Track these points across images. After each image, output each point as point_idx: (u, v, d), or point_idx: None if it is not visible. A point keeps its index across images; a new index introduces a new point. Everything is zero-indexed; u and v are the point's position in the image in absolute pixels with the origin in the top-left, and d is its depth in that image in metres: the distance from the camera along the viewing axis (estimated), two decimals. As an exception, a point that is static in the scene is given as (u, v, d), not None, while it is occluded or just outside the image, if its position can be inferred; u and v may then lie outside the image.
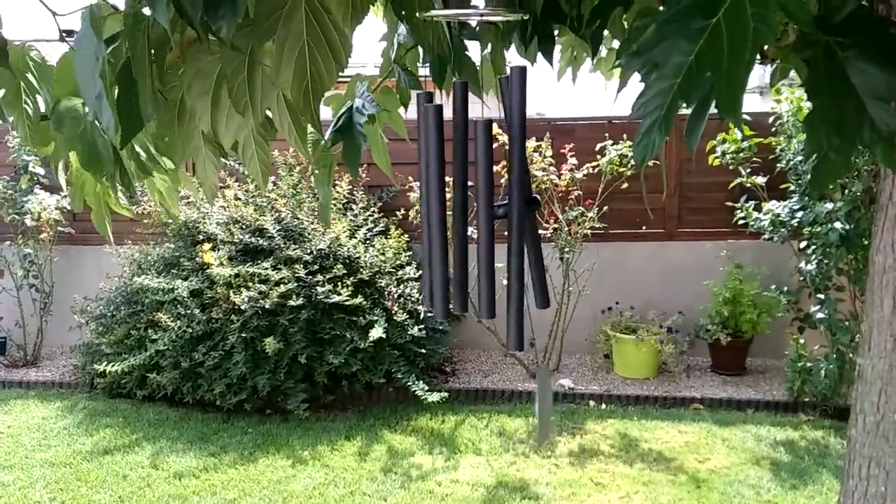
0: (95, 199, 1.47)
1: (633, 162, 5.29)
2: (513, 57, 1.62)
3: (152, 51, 0.91)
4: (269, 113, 1.10)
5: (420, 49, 1.42)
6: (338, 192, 5.54)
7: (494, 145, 5.04)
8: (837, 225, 4.42)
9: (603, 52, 2.36)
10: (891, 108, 1.07)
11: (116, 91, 1.00)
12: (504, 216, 1.28)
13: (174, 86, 1.15)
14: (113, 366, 4.87)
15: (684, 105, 0.95)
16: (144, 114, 0.97)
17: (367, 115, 1.27)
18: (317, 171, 1.42)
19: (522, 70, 1.21)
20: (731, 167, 5.20)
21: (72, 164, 1.43)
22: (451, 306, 1.31)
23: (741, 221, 5.14)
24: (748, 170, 5.15)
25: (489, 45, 1.54)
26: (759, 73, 8.12)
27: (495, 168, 4.87)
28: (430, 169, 1.28)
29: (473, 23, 1.47)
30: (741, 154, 5.10)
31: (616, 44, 2.03)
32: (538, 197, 1.38)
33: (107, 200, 1.48)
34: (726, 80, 0.81)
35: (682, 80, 0.84)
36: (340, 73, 1.04)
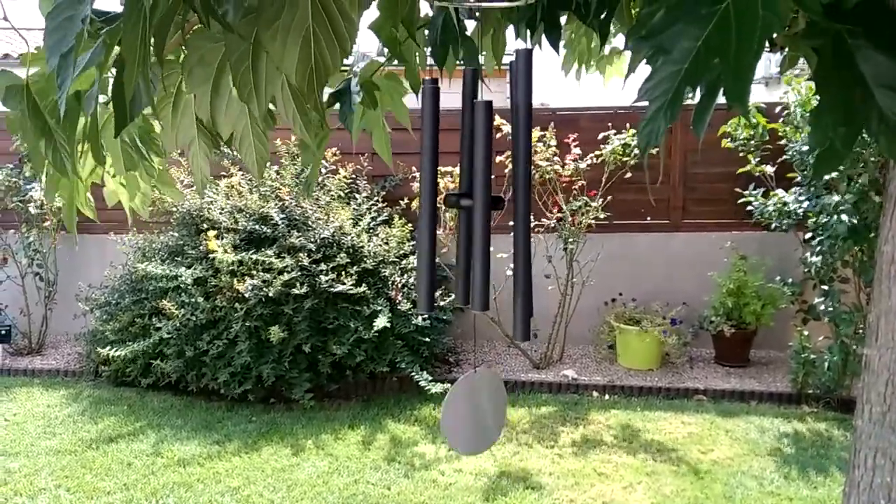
0: (67, 194, 1.46)
1: (636, 151, 5.28)
2: (516, 43, 1.60)
3: (152, 35, 0.90)
4: (270, 106, 1.09)
5: (427, 31, 1.40)
6: (341, 182, 5.53)
7: (498, 135, 4.98)
8: (844, 217, 4.41)
9: (606, 49, 2.33)
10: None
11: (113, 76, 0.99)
12: (494, 207, 1.25)
13: (173, 72, 1.13)
14: (117, 350, 4.87)
15: (690, 94, 0.94)
16: (128, 94, 0.96)
17: (362, 88, 1.26)
18: (308, 141, 1.40)
19: (528, 53, 1.17)
20: (741, 153, 5.19)
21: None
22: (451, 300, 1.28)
23: (748, 209, 5.13)
24: (757, 158, 5.14)
25: (491, 29, 1.52)
26: (765, 64, 8.09)
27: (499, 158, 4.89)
28: (423, 151, 1.26)
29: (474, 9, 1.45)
30: (752, 141, 5.09)
31: (619, 39, 2.01)
32: (501, 196, 1.31)
33: (76, 198, 1.46)
34: (734, 67, 0.79)
35: (689, 65, 0.83)
36: (345, 60, 1.03)
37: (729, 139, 5.19)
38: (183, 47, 1.10)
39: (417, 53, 1.50)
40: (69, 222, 1.51)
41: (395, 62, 1.44)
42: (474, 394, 1.43)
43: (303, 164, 1.52)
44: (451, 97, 1.64)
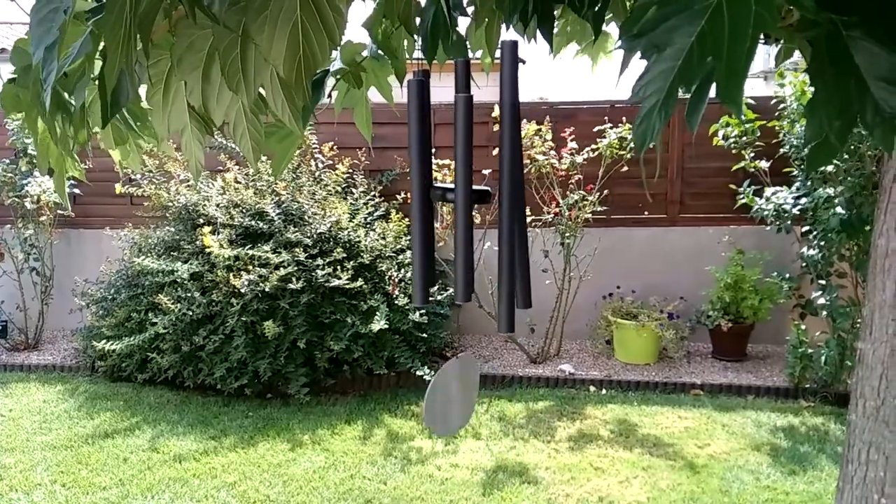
0: (57, 162, 1.45)
1: (632, 145, 5.28)
2: (509, 36, 1.58)
3: (136, 25, 0.89)
4: (261, 91, 1.09)
5: (418, 20, 1.39)
6: (338, 177, 5.52)
7: (495, 128, 4.95)
8: (839, 210, 4.40)
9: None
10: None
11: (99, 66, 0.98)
12: (481, 201, 1.26)
13: (162, 59, 1.12)
14: (113, 344, 4.86)
15: (684, 90, 0.93)
16: (110, 85, 0.95)
17: (339, 76, 1.26)
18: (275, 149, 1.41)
19: (514, 45, 1.18)
20: (733, 151, 5.18)
21: (39, 126, 1.40)
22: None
23: (744, 204, 5.13)
24: (751, 154, 5.12)
25: (485, 20, 1.51)
26: (763, 58, 8.08)
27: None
28: (411, 146, 1.27)
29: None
30: (744, 138, 5.08)
31: (612, 27, 1.99)
32: (489, 189, 1.31)
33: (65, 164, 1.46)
34: (727, 65, 0.78)
35: (683, 63, 0.81)
36: (334, 51, 1.02)
37: (721, 137, 5.18)
38: (170, 33, 1.09)
39: (406, 41, 1.49)
40: (60, 190, 1.51)
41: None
42: (452, 381, 1.51)
43: (274, 174, 1.52)
44: (443, 91, 1.63)
